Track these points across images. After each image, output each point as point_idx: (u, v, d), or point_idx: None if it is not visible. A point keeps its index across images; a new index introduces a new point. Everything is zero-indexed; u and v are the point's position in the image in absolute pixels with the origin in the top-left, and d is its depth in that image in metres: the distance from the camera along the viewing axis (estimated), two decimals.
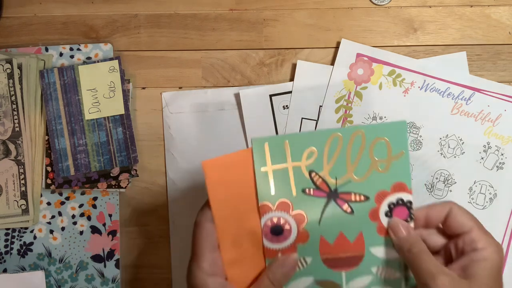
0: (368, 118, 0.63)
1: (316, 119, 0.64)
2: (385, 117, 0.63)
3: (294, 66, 0.64)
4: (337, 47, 0.65)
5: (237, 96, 0.64)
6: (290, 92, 0.64)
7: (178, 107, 0.65)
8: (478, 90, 0.63)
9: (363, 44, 0.64)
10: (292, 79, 0.64)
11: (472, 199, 0.63)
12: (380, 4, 0.65)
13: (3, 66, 0.62)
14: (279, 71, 0.65)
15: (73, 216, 0.64)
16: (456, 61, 0.64)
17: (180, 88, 0.65)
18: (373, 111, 0.63)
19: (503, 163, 0.63)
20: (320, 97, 0.64)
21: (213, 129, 0.64)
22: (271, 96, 0.64)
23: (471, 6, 0.65)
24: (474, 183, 0.63)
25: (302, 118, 0.64)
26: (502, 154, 0.63)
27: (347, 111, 0.63)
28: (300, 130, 0.64)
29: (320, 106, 0.64)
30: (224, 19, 0.65)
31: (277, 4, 0.65)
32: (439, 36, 0.65)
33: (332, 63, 0.64)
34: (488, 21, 0.65)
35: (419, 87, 0.63)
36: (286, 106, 0.64)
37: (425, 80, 0.63)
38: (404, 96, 0.63)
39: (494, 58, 0.65)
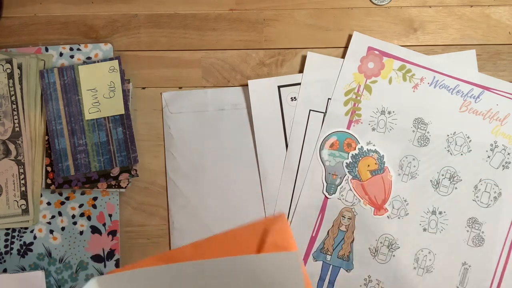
0: (377, 112, 0.63)
1: (324, 111, 0.64)
2: (393, 111, 0.63)
3: (292, 64, 0.64)
4: (337, 47, 0.65)
5: (240, 92, 0.64)
6: (299, 84, 0.64)
7: (178, 107, 0.65)
8: (487, 89, 0.63)
9: (375, 38, 0.64)
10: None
11: (477, 197, 0.63)
12: (380, 4, 0.65)
13: (3, 66, 0.62)
14: (279, 71, 0.65)
15: (73, 216, 0.64)
16: (465, 59, 0.64)
17: (180, 88, 0.65)
18: (382, 105, 0.63)
19: (509, 163, 0.63)
20: (329, 90, 0.64)
21: (213, 129, 0.64)
22: (279, 87, 0.64)
23: (471, 6, 0.65)
24: (480, 181, 0.63)
25: (310, 110, 0.64)
26: (508, 154, 0.63)
27: (356, 104, 0.64)
28: (307, 123, 0.64)
29: (329, 98, 0.64)
30: (224, 19, 0.65)
31: (277, 4, 0.65)
32: (439, 36, 0.65)
33: None
34: (488, 21, 0.65)
35: (428, 83, 0.63)
36: (294, 97, 0.64)
37: (434, 77, 0.63)
38: (414, 91, 0.63)
39: (494, 58, 0.65)
